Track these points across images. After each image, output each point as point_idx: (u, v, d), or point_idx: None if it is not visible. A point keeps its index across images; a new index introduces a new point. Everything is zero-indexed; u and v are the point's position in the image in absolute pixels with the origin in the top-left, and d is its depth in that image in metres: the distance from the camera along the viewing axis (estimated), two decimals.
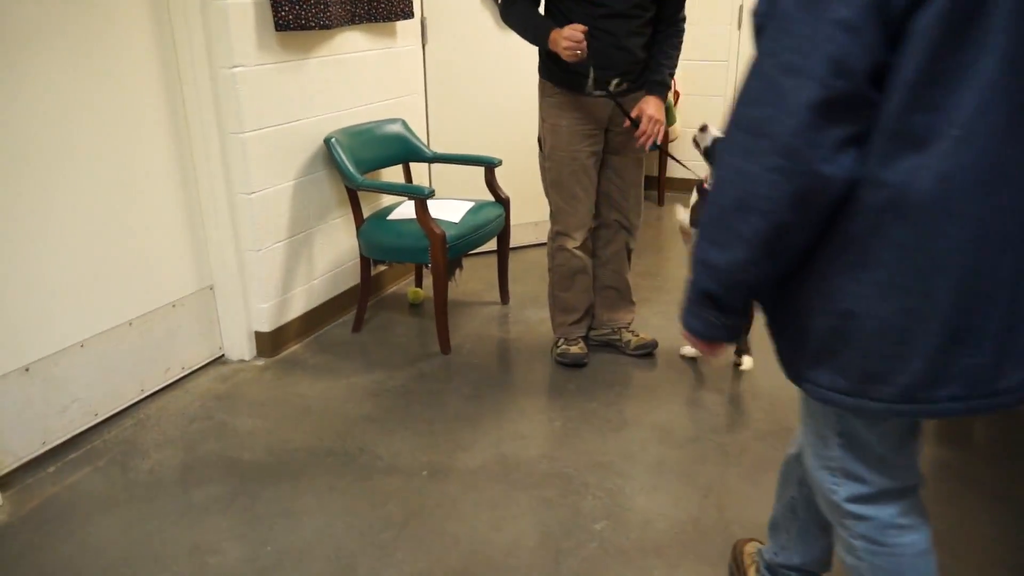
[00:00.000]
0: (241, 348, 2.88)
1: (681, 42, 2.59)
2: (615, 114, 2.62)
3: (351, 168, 2.86)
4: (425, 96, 3.65)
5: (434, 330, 3.10)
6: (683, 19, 2.58)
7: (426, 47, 3.60)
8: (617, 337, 2.98)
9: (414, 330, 3.16)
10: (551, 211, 2.76)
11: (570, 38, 2.34)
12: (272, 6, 2.63)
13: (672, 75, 2.58)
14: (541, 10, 2.58)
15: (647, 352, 2.91)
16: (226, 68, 2.56)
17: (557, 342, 2.93)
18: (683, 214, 2.72)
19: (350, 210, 3.18)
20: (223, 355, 2.91)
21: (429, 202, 2.77)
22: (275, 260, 2.87)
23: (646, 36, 2.53)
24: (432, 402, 2.61)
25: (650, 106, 2.51)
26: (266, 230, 2.80)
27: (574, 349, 2.88)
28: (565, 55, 2.36)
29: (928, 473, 2.15)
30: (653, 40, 2.56)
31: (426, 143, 3.43)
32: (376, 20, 3.14)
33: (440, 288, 2.86)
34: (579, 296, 2.88)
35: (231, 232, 2.75)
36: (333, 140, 2.89)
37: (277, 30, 2.65)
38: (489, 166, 3.22)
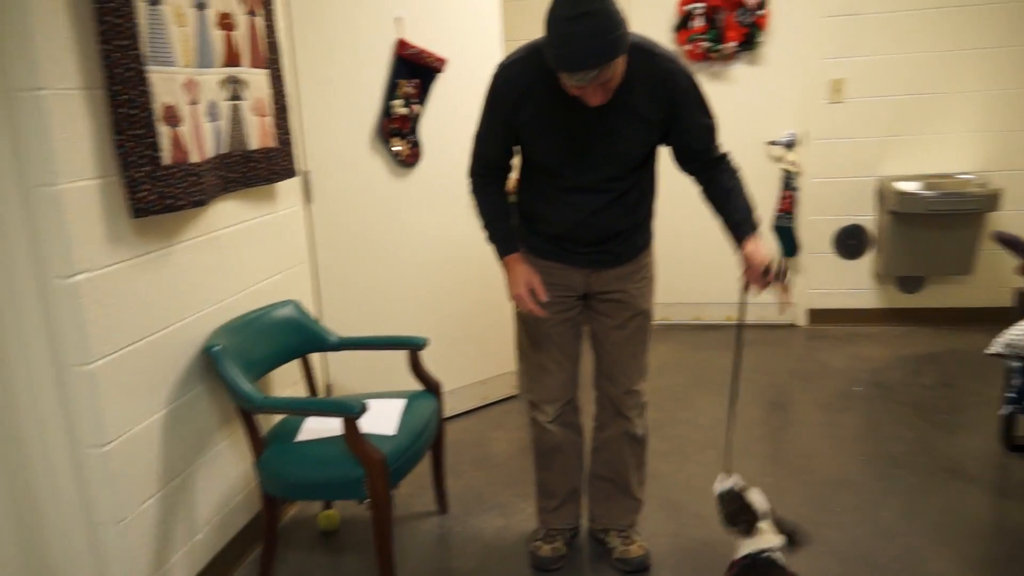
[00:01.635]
0: None
1: (737, 177, 2.07)
2: (596, 281, 2.16)
3: (245, 387, 2.14)
4: (315, 265, 3.00)
5: (366, 570, 2.37)
6: (721, 155, 2.08)
7: (311, 205, 2.97)
8: (605, 539, 2.40)
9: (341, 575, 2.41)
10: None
11: (521, 297, 2.09)
12: (127, 187, 1.93)
13: (750, 212, 2.03)
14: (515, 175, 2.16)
15: (632, 571, 2.33)
16: (62, 278, 1.81)
17: (536, 532, 2.44)
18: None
19: (237, 431, 2.43)
20: None
21: None
22: (143, 527, 2.06)
23: (627, 206, 2.08)
24: None
25: (746, 247, 1.98)
26: (130, 490, 2.00)
27: (544, 550, 2.37)
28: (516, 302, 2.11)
29: None
30: (705, 192, 2.09)
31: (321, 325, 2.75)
32: (255, 184, 2.50)
33: (383, 529, 2.15)
34: (559, 479, 2.39)
35: (76, 502, 1.92)
36: (217, 350, 2.16)
37: (135, 217, 1.95)
38: (414, 348, 2.60)
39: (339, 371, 3.07)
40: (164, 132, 2.02)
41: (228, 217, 2.42)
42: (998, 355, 2.72)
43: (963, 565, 2.29)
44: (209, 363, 2.30)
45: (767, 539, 1.80)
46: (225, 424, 2.41)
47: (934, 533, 2.46)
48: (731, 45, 4.28)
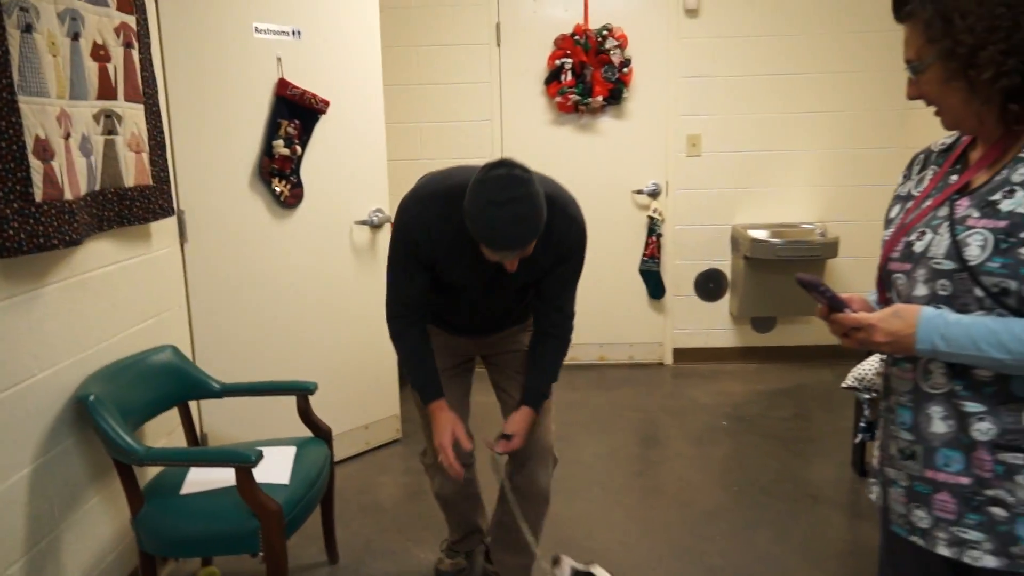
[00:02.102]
0: None
1: (561, 347, 2.14)
2: (488, 345, 2.28)
3: (125, 438, 1.99)
4: (189, 309, 2.85)
5: None
6: (566, 316, 2.13)
7: (185, 247, 2.83)
8: None
9: None
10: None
11: (444, 448, 2.02)
12: None
13: (546, 386, 2.14)
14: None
15: None
16: None
17: (442, 544, 2.53)
18: None
19: (110, 486, 2.26)
20: None
21: None
22: None
23: (522, 303, 2.19)
24: None
25: (518, 415, 2.10)
26: None
27: (446, 564, 2.49)
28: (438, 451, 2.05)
29: None
30: (531, 342, 2.18)
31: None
32: (130, 223, 2.36)
33: None
34: (460, 520, 2.47)
35: None
36: (92, 400, 2.00)
37: (2, 256, 1.79)
38: (303, 393, 2.52)
39: (213, 421, 2.91)
40: (36, 167, 1.88)
41: (100, 258, 2.27)
42: (851, 388, 2.98)
43: None
44: (81, 413, 2.13)
45: None
46: (96, 479, 2.22)
47: (803, 554, 2.63)
48: (599, 99, 4.52)
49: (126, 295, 2.40)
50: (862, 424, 2.97)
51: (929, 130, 4.20)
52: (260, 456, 1.97)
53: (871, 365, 2.89)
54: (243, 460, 1.96)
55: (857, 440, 3.06)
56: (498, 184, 1.68)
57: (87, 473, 2.18)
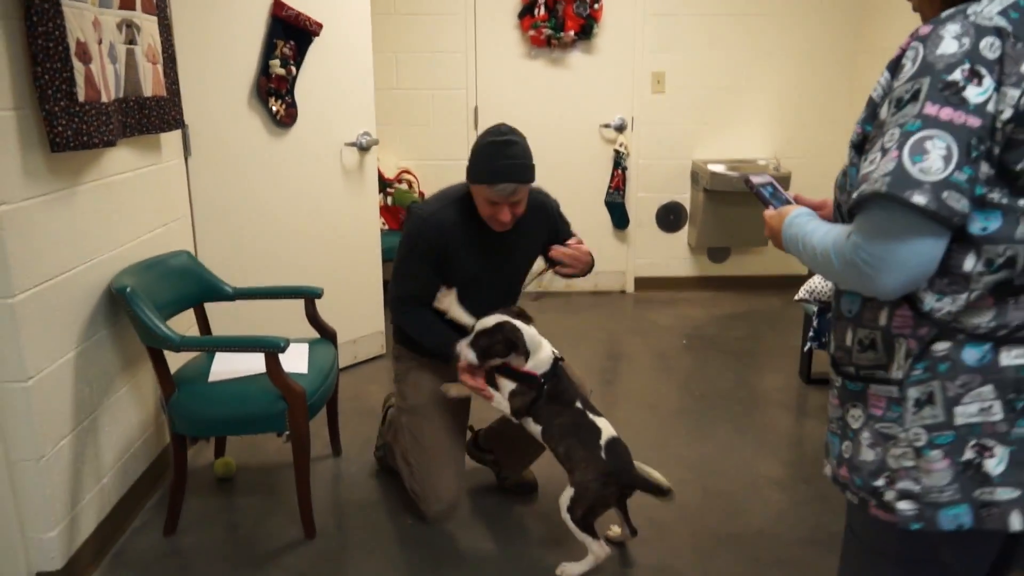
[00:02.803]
0: None
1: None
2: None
3: (162, 326, 2.16)
4: (192, 220, 2.98)
5: (270, 510, 2.48)
6: None
7: (189, 160, 2.95)
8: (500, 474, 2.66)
9: (248, 515, 2.48)
10: (405, 480, 2.39)
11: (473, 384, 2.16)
12: (45, 121, 1.90)
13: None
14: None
15: (528, 491, 2.62)
16: None
17: None
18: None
19: (137, 376, 2.43)
20: None
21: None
22: (60, 466, 2.03)
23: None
24: None
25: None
26: (48, 428, 1.97)
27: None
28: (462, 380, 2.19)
29: None
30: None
31: None
32: (147, 132, 2.48)
33: (302, 460, 2.27)
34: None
35: None
36: (129, 290, 2.16)
37: (53, 151, 1.92)
38: (310, 297, 2.71)
39: (220, 327, 3.06)
40: (78, 68, 2.00)
41: (122, 163, 2.40)
42: (802, 300, 3.30)
43: (781, 467, 2.81)
44: (114, 306, 2.29)
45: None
46: (125, 369, 2.39)
47: (758, 445, 2.97)
48: (570, 34, 4.69)
49: (142, 202, 2.53)
50: (810, 334, 3.30)
51: (876, 72, 4.51)
52: (288, 343, 2.17)
53: (821, 278, 3.21)
54: (273, 346, 2.15)
55: (806, 348, 3.40)
56: (497, 130, 2.11)
57: (119, 363, 2.35)
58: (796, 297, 3.33)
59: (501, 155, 2.05)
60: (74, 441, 2.09)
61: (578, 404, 2.15)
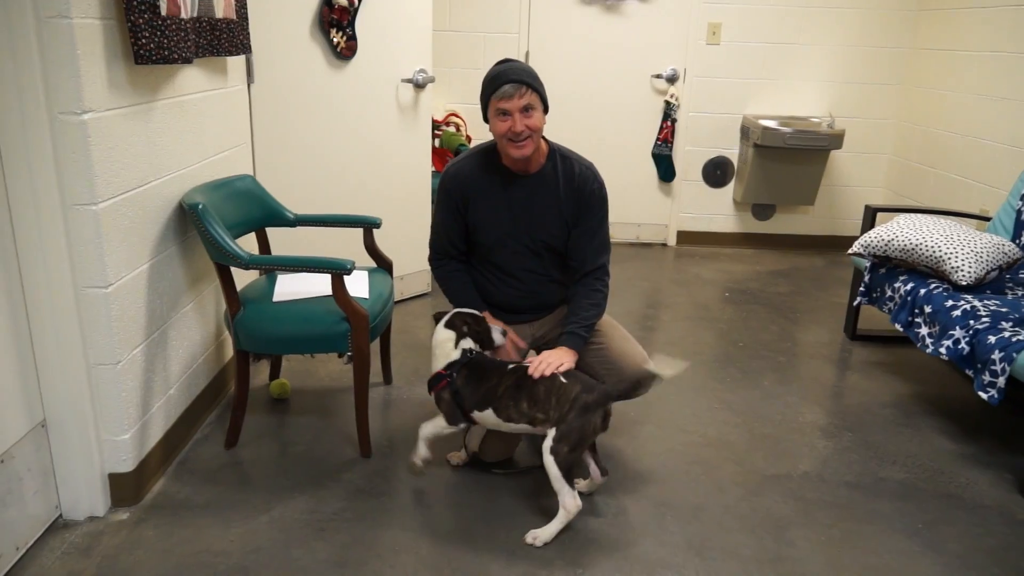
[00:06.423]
0: (90, 501, 2.06)
1: (600, 294, 2.33)
2: (541, 323, 2.47)
3: (231, 243, 2.22)
4: (252, 146, 3.02)
5: (325, 430, 2.55)
6: (598, 266, 2.33)
7: (251, 87, 2.98)
8: None
9: (304, 434, 2.55)
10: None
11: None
12: (131, 32, 1.93)
13: (584, 328, 2.26)
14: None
15: None
16: (72, 114, 1.81)
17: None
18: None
19: (201, 294, 2.50)
20: (60, 515, 2.06)
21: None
22: (134, 373, 2.11)
23: (553, 285, 2.41)
24: (406, 524, 2.10)
25: (554, 352, 2.19)
26: (124, 334, 2.04)
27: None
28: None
29: None
30: (572, 289, 2.36)
31: None
32: (218, 53, 2.51)
33: (362, 380, 2.34)
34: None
35: (78, 343, 1.95)
36: (201, 207, 2.21)
37: (137, 63, 1.96)
38: (368, 227, 2.75)
39: (279, 252, 3.12)
40: None
41: (193, 84, 2.43)
42: (855, 254, 3.28)
43: (826, 416, 2.82)
44: (183, 223, 2.34)
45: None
46: (191, 286, 2.45)
47: (803, 394, 2.99)
48: None
49: (208, 124, 2.56)
50: (861, 288, 3.28)
51: (939, 32, 4.40)
52: (353, 265, 2.21)
53: (877, 233, 3.18)
54: (340, 267, 2.20)
55: (855, 303, 3.39)
56: (502, 60, 2.24)
57: (186, 280, 2.41)
58: (850, 251, 3.30)
59: (505, 68, 2.17)
60: (146, 350, 2.17)
61: (511, 366, 2.12)
